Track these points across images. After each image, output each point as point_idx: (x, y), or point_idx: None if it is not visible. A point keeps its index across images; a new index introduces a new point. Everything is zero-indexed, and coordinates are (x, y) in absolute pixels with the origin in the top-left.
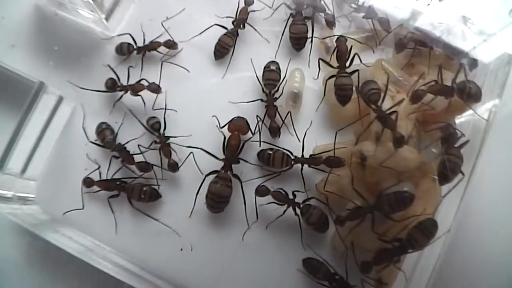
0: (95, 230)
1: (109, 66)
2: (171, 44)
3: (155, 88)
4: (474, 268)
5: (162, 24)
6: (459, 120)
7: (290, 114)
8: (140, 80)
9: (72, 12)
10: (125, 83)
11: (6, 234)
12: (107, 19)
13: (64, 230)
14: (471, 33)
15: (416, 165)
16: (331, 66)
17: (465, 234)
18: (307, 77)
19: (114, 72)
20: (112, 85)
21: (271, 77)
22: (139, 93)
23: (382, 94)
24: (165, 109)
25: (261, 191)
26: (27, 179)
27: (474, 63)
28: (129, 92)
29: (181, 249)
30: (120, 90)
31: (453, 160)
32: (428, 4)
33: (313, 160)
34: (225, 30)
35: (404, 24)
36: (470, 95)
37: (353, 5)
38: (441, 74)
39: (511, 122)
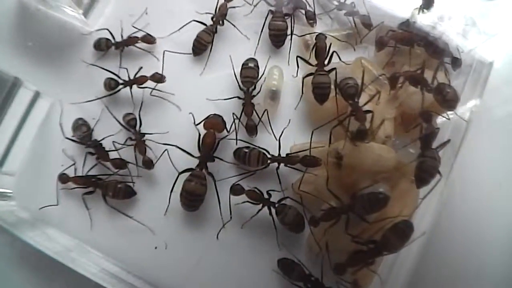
0: (71, 227)
1: (96, 66)
2: (149, 39)
3: (159, 78)
4: (449, 271)
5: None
6: (440, 119)
7: (267, 112)
8: (138, 71)
9: (54, 8)
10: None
11: None
12: (85, 14)
13: (41, 226)
14: (455, 33)
15: (393, 164)
16: (310, 64)
17: (441, 237)
18: (286, 75)
19: (111, 72)
20: (116, 85)
21: (248, 74)
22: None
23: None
24: (141, 105)
25: (235, 190)
26: (4, 174)
27: (457, 62)
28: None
29: (156, 247)
30: (124, 86)
31: (430, 162)
32: None
33: (290, 159)
34: (204, 26)
35: (386, 22)
36: (445, 99)
37: (335, 2)
38: (423, 67)
39: (492, 124)
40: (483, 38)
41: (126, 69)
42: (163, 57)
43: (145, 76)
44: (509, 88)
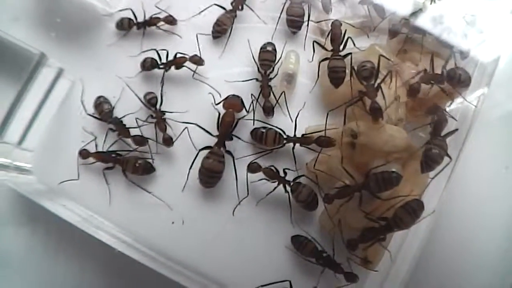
0: (90, 201)
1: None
2: (170, 20)
3: (197, 60)
4: (458, 250)
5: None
6: (448, 107)
7: (284, 94)
8: (175, 55)
9: None
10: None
11: (6, 225)
12: None
13: (60, 200)
14: (465, 25)
15: (404, 145)
16: (325, 49)
17: (449, 216)
18: (302, 59)
19: (155, 50)
20: (156, 65)
21: (266, 57)
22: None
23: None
24: (162, 84)
25: (252, 168)
26: (24, 150)
27: (465, 52)
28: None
29: (173, 222)
30: (163, 68)
31: (436, 150)
32: None
33: (305, 140)
34: (224, 11)
35: (398, 12)
36: (460, 81)
37: None
38: (433, 62)
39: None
40: (484, 36)
41: (167, 51)
42: (197, 40)
43: (184, 57)
44: None
